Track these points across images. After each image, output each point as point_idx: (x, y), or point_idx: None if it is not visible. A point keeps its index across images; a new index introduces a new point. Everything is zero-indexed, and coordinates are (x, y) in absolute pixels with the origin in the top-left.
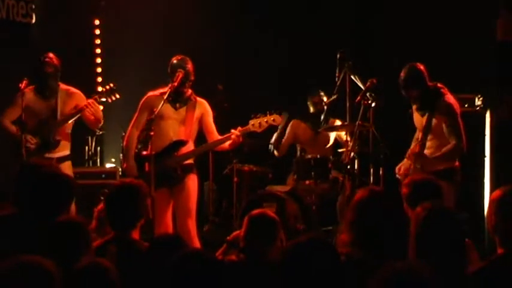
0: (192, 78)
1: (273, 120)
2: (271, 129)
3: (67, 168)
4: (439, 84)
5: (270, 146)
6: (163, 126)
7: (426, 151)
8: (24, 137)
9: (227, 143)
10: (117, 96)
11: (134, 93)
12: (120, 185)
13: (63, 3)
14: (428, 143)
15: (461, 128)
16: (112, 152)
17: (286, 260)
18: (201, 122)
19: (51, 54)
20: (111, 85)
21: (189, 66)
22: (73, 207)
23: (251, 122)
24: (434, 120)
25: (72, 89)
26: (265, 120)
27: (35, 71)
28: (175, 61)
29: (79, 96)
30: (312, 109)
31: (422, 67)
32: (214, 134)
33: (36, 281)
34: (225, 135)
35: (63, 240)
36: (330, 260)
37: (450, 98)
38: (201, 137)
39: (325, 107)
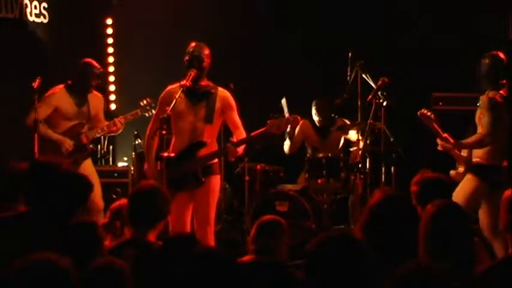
0: (208, 65)
1: (292, 121)
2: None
3: (88, 165)
4: (503, 81)
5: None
6: (182, 125)
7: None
8: (64, 142)
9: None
10: (153, 111)
11: (147, 93)
12: (142, 186)
13: (75, 2)
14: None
15: (489, 122)
16: (124, 151)
17: (315, 254)
18: (223, 116)
19: (97, 64)
20: (148, 100)
21: (205, 54)
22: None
23: (269, 123)
24: (477, 113)
25: (96, 92)
26: (284, 121)
27: (82, 77)
28: (191, 50)
29: (101, 99)
30: (315, 117)
31: (501, 56)
32: (239, 130)
33: (52, 278)
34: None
35: (75, 242)
36: (361, 256)
37: (491, 93)
38: (227, 131)
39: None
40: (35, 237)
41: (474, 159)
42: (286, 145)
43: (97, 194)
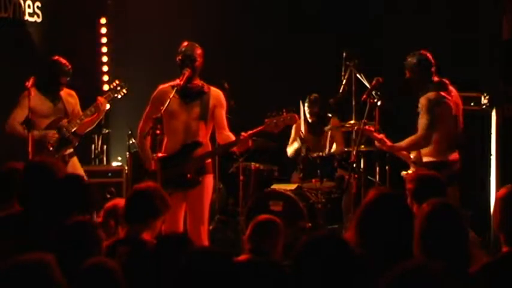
0: (200, 65)
1: (290, 119)
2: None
3: (76, 162)
4: (443, 80)
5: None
6: (175, 125)
7: None
8: (46, 134)
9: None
10: (125, 91)
11: (141, 92)
12: (139, 185)
13: (69, 2)
14: None
15: (427, 124)
16: (118, 150)
17: (301, 255)
18: (213, 114)
19: (65, 61)
20: (117, 82)
21: (198, 53)
22: None
23: (267, 121)
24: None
25: (68, 89)
26: (282, 119)
27: (50, 75)
28: (183, 49)
29: (75, 95)
30: (308, 115)
31: (427, 56)
32: (224, 130)
33: (34, 278)
34: (237, 138)
35: (73, 242)
36: (345, 256)
37: (432, 94)
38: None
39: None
40: (30, 236)
41: (424, 158)
42: (292, 148)
43: None
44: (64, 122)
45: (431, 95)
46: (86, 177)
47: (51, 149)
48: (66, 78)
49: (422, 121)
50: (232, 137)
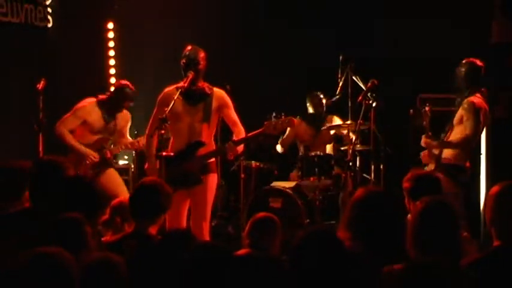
0: (204, 68)
1: (288, 122)
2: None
3: (112, 172)
4: (482, 89)
5: (277, 146)
6: (179, 126)
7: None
8: (89, 155)
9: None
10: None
11: (148, 95)
12: (145, 181)
13: (78, 7)
14: (451, 133)
15: (473, 125)
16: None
17: (298, 248)
18: (220, 114)
19: (132, 86)
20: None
21: (201, 56)
22: None
23: (266, 124)
24: (458, 114)
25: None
26: (280, 122)
27: (116, 99)
28: (187, 53)
29: (128, 116)
30: (311, 110)
31: (478, 64)
32: (235, 127)
33: (55, 272)
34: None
35: (59, 237)
36: (336, 251)
37: (475, 98)
38: (225, 131)
39: (325, 107)
40: (34, 233)
41: (444, 159)
42: (279, 146)
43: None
44: (109, 145)
45: (475, 99)
46: (121, 184)
47: (87, 162)
48: (130, 103)
49: (471, 123)
50: (243, 133)
